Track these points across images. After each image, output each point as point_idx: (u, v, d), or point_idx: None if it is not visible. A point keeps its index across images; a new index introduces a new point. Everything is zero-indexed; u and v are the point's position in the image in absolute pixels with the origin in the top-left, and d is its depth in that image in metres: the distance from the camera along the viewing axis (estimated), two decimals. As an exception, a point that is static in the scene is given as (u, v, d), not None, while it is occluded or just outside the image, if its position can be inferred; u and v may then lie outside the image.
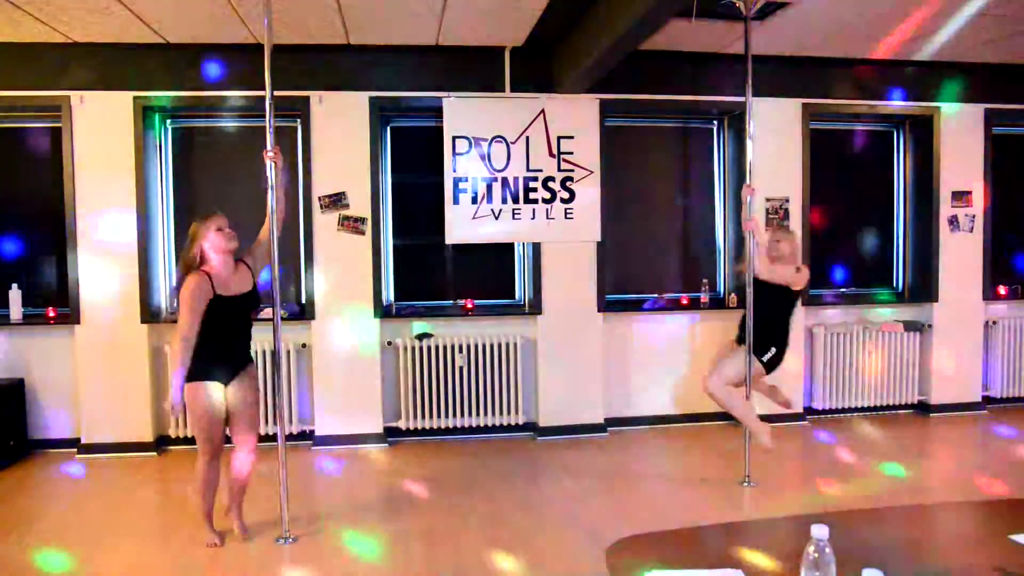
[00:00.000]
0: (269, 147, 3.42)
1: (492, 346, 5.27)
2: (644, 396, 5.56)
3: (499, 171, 5.23)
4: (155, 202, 5.15)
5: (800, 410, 5.66)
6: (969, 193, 5.82)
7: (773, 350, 4.22)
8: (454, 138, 5.18)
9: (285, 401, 4.99)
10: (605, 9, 4.05)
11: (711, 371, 4.28)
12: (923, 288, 5.91)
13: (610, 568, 1.93)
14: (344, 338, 5.13)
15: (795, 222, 5.55)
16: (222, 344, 3.37)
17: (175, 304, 3.45)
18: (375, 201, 5.15)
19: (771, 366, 4.24)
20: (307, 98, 5.07)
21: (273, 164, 3.44)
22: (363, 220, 5.13)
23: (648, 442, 5.23)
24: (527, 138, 5.24)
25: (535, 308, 5.36)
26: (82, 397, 5.00)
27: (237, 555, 3.37)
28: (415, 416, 5.23)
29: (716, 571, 1.81)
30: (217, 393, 3.35)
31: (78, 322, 4.97)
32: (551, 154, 5.28)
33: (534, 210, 5.27)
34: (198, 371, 3.31)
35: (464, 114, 5.18)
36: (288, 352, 5.07)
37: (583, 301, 5.39)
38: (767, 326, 4.18)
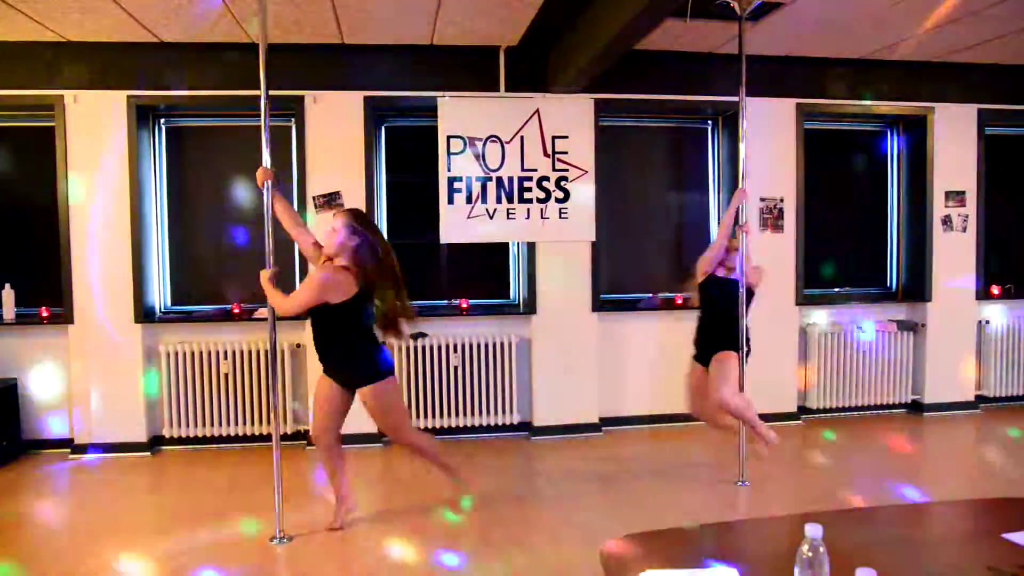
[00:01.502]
0: (266, 162, 3.44)
1: (487, 346, 5.27)
2: (639, 395, 5.57)
3: (494, 171, 5.23)
4: (149, 201, 5.13)
5: (794, 409, 5.69)
6: (962, 193, 5.85)
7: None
8: (449, 138, 5.17)
9: (279, 400, 4.97)
10: (599, 9, 4.06)
11: (716, 387, 4.10)
12: (916, 287, 5.93)
13: (604, 567, 1.93)
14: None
15: (789, 221, 5.57)
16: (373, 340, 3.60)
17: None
18: (370, 201, 5.14)
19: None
20: (301, 98, 5.06)
21: (270, 183, 3.48)
22: (358, 220, 5.12)
23: (642, 441, 5.24)
24: (522, 138, 5.24)
25: (530, 308, 5.36)
26: (75, 397, 4.98)
27: (231, 555, 3.36)
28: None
29: (710, 570, 1.81)
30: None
31: (71, 322, 4.95)
32: (546, 154, 5.28)
33: (529, 210, 5.27)
34: (384, 368, 3.53)
35: (459, 114, 5.17)
36: (282, 352, 5.06)
37: (578, 301, 5.39)
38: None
